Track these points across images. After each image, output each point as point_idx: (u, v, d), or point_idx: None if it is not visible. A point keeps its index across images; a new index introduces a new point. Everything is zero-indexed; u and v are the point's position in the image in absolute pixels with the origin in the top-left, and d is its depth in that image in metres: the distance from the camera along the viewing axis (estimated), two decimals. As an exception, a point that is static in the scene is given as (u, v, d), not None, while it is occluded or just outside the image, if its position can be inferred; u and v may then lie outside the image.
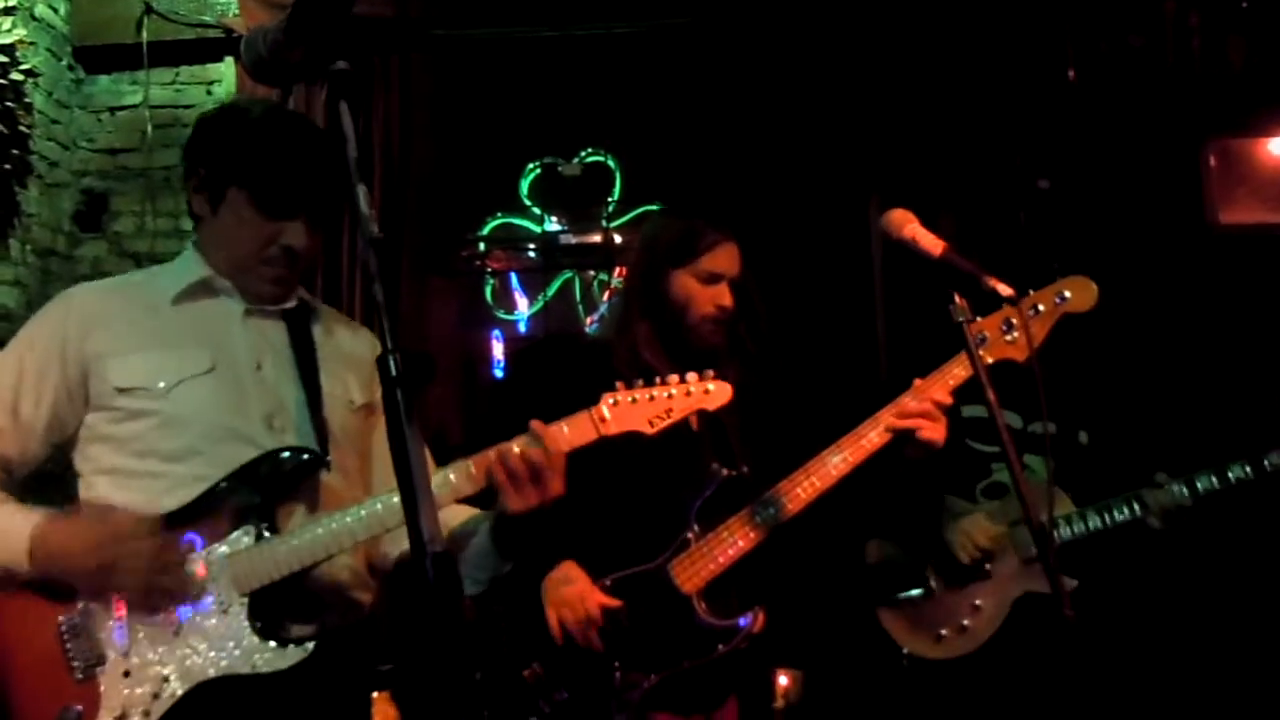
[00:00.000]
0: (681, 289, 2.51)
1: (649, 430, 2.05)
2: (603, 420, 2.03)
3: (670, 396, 2.06)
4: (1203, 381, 3.95)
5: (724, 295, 2.51)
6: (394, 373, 1.24)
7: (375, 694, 3.18)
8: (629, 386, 2.07)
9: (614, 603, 2.33)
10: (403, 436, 1.22)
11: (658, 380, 2.08)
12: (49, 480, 2.16)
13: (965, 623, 2.79)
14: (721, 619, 2.37)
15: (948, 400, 2.38)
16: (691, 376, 2.09)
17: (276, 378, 2.10)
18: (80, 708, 1.87)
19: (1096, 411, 2.94)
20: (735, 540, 2.39)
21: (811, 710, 3.83)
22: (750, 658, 2.45)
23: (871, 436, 2.40)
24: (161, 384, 2.00)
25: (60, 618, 1.93)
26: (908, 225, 2.19)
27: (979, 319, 2.33)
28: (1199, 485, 2.71)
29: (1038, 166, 4.25)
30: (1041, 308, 2.38)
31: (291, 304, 2.18)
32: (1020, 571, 2.78)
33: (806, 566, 2.84)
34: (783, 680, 4.10)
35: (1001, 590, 2.78)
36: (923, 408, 2.36)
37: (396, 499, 1.89)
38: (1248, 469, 2.69)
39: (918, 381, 2.42)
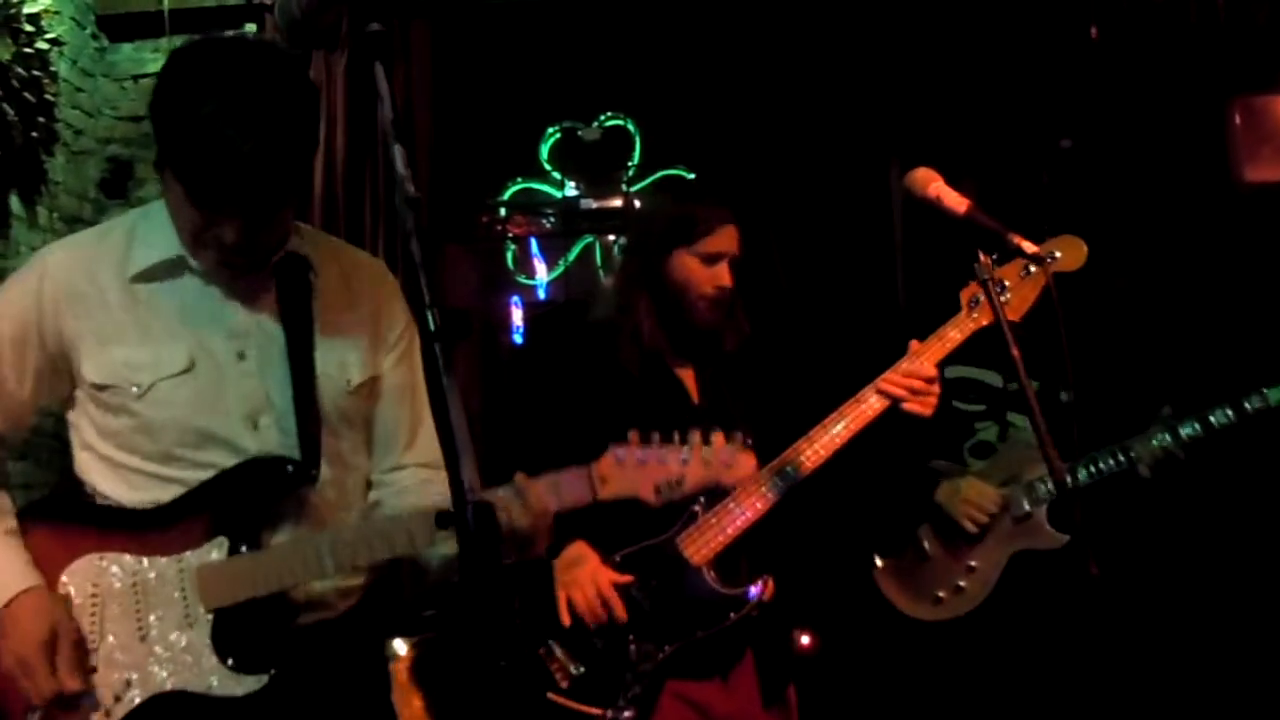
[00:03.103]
0: (682, 269, 2.52)
1: (653, 499, 1.89)
2: (602, 481, 1.87)
3: (685, 463, 1.87)
4: (1229, 337, 3.93)
5: (723, 275, 2.52)
6: (433, 328, 1.26)
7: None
8: (644, 438, 1.90)
9: (624, 578, 2.37)
10: (442, 390, 1.24)
11: (675, 436, 1.91)
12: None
13: (961, 584, 2.81)
14: (731, 588, 2.41)
15: (932, 373, 2.40)
16: (717, 439, 1.91)
17: (262, 366, 1.93)
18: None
19: (1108, 371, 2.93)
20: (742, 510, 2.42)
21: (828, 668, 3.86)
22: (763, 622, 2.48)
23: (872, 402, 2.43)
24: (135, 388, 1.88)
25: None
26: (932, 184, 2.21)
27: (971, 282, 2.36)
28: (1182, 433, 2.72)
29: (1060, 126, 4.23)
30: (1032, 268, 2.39)
31: (279, 256, 1.95)
32: (1013, 530, 2.79)
33: (815, 531, 2.87)
34: (804, 640, 4.15)
35: (995, 550, 2.80)
36: (908, 382, 2.39)
37: (374, 532, 1.86)
38: (1229, 413, 2.70)
39: (914, 344, 2.44)
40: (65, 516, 1.97)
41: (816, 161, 4.73)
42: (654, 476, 1.86)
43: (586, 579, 2.35)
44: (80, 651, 1.85)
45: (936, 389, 2.41)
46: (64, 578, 1.91)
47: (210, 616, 1.85)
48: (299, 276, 1.97)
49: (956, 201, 2.17)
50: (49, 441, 2.12)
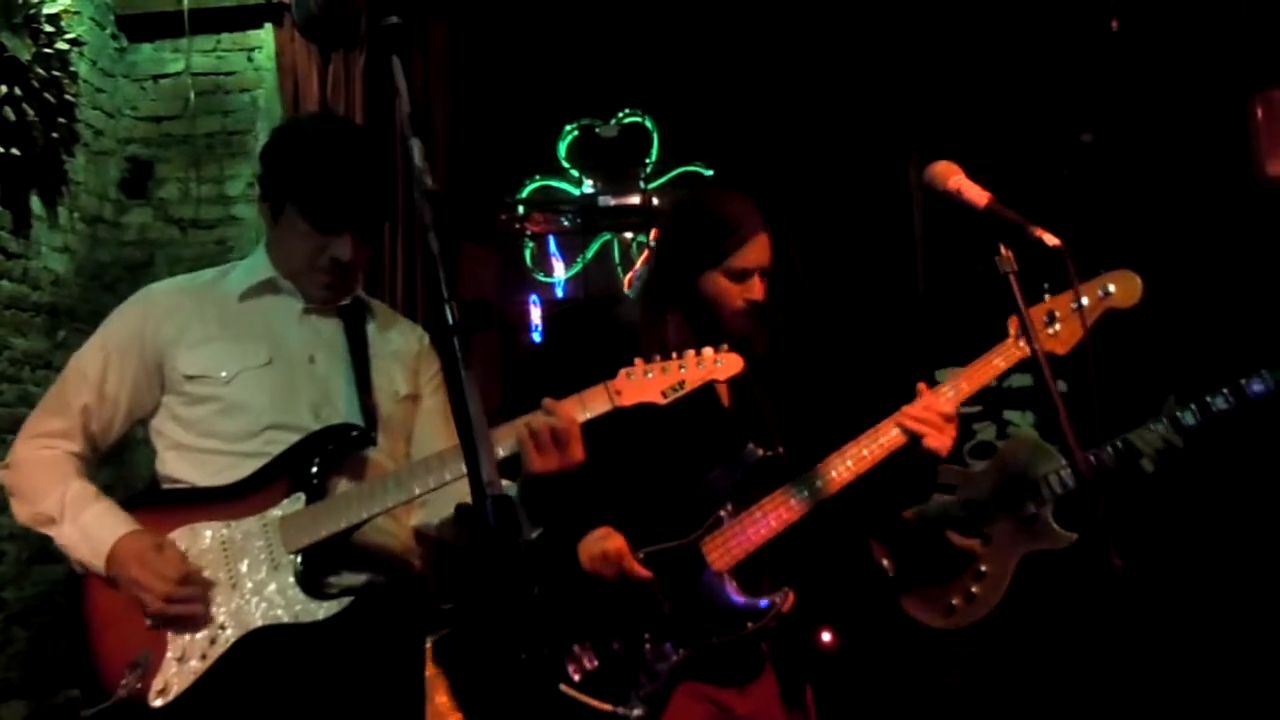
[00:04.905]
0: (712, 287, 2.48)
1: (661, 401, 2.16)
2: (617, 393, 2.15)
3: (683, 369, 2.18)
4: (1249, 332, 3.90)
5: (754, 289, 2.48)
6: (451, 321, 1.27)
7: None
8: (648, 362, 2.17)
9: (646, 574, 2.34)
10: (460, 382, 1.24)
11: (674, 355, 2.19)
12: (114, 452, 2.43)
13: (973, 590, 2.76)
14: (751, 597, 2.38)
15: (946, 410, 2.38)
16: (706, 350, 2.18)
17: (328, 371, 2.32)
18: (150, 651, 2.12)
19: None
20: (768, 520, 2.39)
21: (848, 667, 3.85)
22: (784, 635, 2.45)
23: (896, 432, 2.39)
24: (223, 374, 2.24)
25: None
26: (953, 177, 2.18)
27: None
28: (1183, 421, 2.67)
29: (1081, 120, 4.20)
30: (1085, 301, 2.35)
31: (346, 302, 2.38)
32: (1019, 532, 2.75)
33: (840, 547, 2.84)
34: (825, 637, 4.14)
35: (1003, 553, 2.75)
36: (927, 416, 2.37)
37: (429, 463, 2.14)
38: (1229, 397, 2.66)
39: (953, 373, 2.43)
40: (159, 501, 2.27)
41: (836, 156, 4.71)
42: (660, 384, 2.16)
43: (613, 551, 2.34)
44: (186, 561, 2.14)
45: (951, 429, 2.38)
46: None
47: (292, 556, 2.14)
48: (359, 314, 2.41)
49: (977, 195, 2.15)
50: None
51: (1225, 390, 2.67)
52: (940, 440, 2.37)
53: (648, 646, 2.36)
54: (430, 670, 3.28)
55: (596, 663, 2.35)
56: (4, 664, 3.78)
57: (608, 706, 2.31)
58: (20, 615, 3.86)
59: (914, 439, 2.38)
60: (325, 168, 2.21)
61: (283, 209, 2.27)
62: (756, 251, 2.48)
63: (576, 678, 2.34)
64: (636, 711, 2.30)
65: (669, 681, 2.34)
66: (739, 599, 2.38)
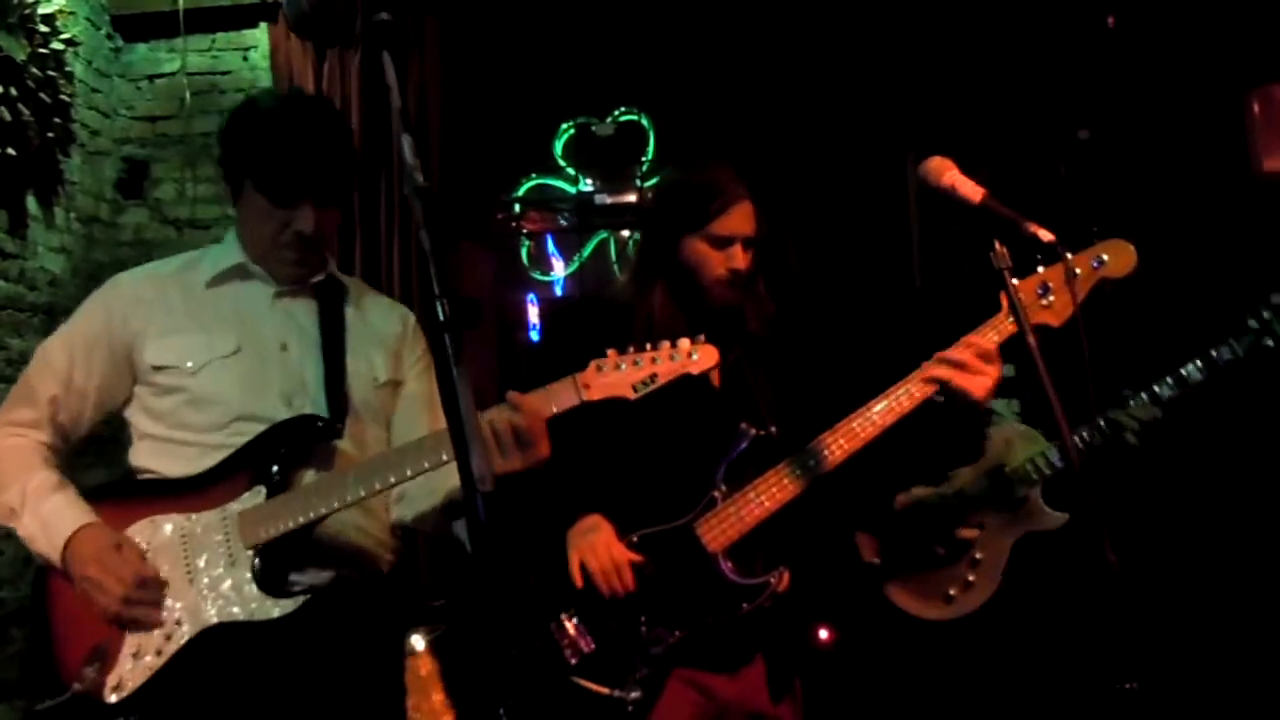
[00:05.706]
0: (692, 254, 2.48)
1: (631, 395, 2.08)
2: (586, 387, 2.08)
3: (655, 362, 2.09)
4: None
5: (735, 258, 2.47)
6: (442, 317, 1.26)
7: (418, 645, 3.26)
8: (622, 353, 2.10)
9: (638, 558, 2.35)
10: (451, 379, 1.24)
11: (648, 346, 2.10)
12: (98, 442, 2.41)
13: (970, 578, 2.78)
14: (746, 578, 2.38)
15: (989, 348, 2.30)
16: (682, 342, 2.10)
17: (301, 357, 2.27)
18: (106, 645, 2.11)
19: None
20: (762, 500, 2.39)
21: (844, 664, 3.85)
22: (777, 619, 2.45)
23: (901, 398, 2.37)
24: (190, 364, 2.20)
25: None
26: (947, 173, 2.18)
27: (1015, 281, 2.31)
28: (1159, 392, 2.70)
29: (1078, 117, 4.20)
30: (1079, 272, 2.34)
31: (320, 278, 2.34)
32: (1010, 516, 2.77)
33: (835, 527, 2.84)
34: (822, 634, 4.14)
35: (997, 539, 2.77)
36: (959, 357, 2.31)
37: (390, 457, 2.09)
38: (1200, 365, 2.69)
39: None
40: (124, 493, 2.24)
41: (833, 152, 4.71)
42: (631, 378, 2.07)
43: (601, 545, 2.34)
44: (145, 562, 2.12)
45: (993, 370, 2.29)
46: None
47: (250, 552, 2.10)
48: (336, 295, 2.35)
49: (972, 191, 2.14)
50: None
51: (1197, 360, 2.70)
52: (970, 380, 2.27)
53: (643, 629, 2.35)
54: (427, 668, 3.28)
55: (593, 647, 2.35)
56: (2, 664, 3.78)
57: (605, 690, 2.31)
58: (17, 615, 3.86)
59: (942, 386, 2.30)
60: (274, 139, 2.16)
61: (242, 188, 2.23)
62: (738, 219, 2.47)
63: (573, 662, 2.34)
64: (633, 694, 2.30)
65: (664, 664, 2.34)
66: (734, 580, 2.37)
